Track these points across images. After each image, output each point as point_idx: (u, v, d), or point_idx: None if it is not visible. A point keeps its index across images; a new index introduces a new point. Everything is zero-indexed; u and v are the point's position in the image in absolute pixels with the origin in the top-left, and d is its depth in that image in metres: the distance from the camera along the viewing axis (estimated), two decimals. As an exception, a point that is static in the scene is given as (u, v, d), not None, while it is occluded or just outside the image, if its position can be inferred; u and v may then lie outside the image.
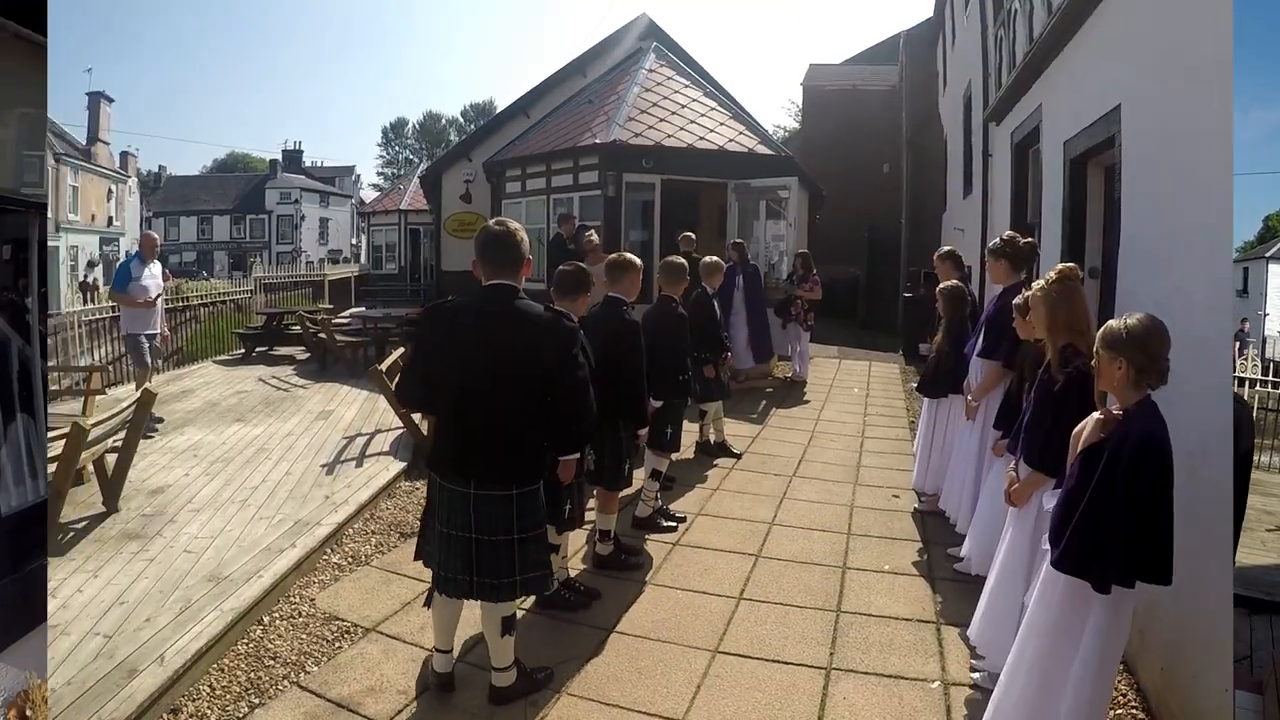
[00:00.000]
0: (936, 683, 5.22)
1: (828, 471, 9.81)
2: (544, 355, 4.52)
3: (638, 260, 6.93)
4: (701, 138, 18.36)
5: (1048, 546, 3.95)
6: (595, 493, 6.80)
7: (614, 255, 7.05)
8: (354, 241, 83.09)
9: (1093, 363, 3.99)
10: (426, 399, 4.90)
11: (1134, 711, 5.00)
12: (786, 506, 8.54)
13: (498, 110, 26.41)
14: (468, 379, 4.52)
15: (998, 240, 7.22)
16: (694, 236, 14.58)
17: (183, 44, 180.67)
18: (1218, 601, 4.29)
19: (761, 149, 18.74)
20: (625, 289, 6.76)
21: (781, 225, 17.96)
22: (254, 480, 8.89)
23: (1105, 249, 7.91)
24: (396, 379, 5.07)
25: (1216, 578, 4.24)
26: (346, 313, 21.75)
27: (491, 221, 4.88)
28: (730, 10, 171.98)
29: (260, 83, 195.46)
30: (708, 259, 10.30)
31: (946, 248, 9.65)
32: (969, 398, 7.30)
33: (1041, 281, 4.96)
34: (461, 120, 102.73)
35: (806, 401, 13.86)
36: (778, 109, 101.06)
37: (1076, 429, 4.05)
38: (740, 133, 19.07)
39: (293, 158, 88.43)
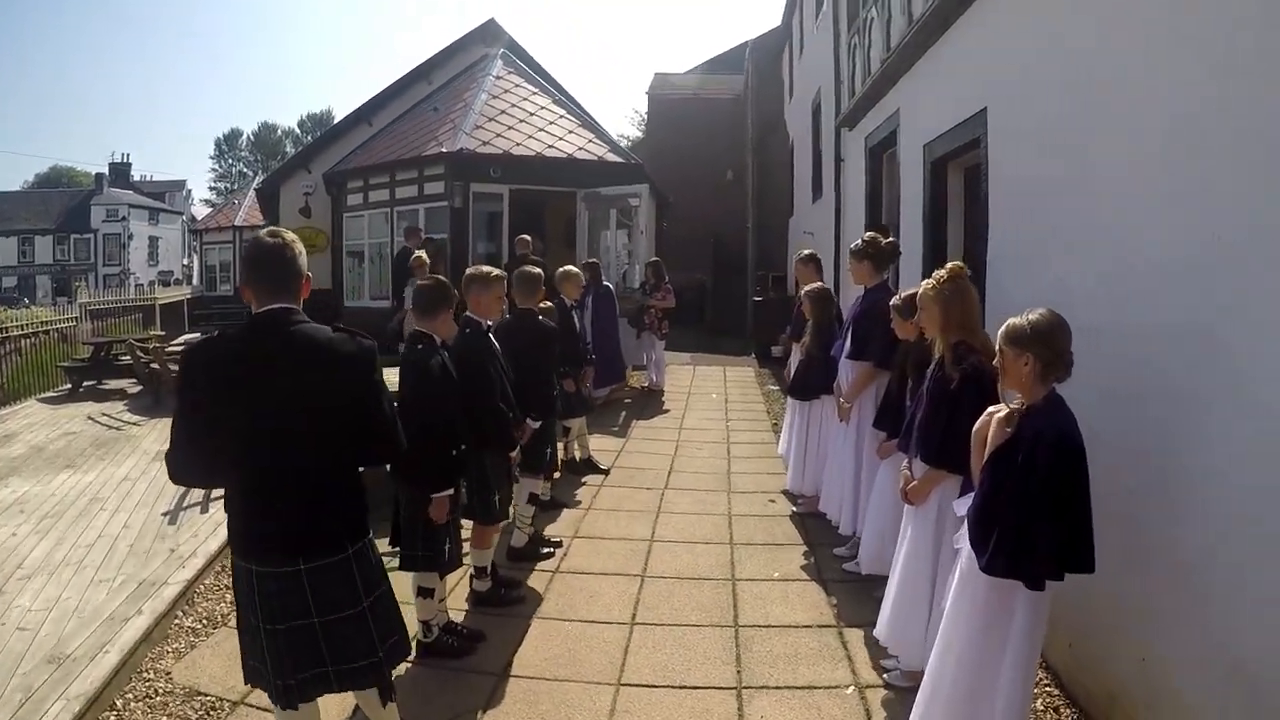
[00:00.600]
0: (851, 688, 5.13)
1: (699, 481, 9.67)
2: (345, 385, 3.62)
3: (496, 271, 6.25)
4: (550, 146, 18.10)
5: (960, 547, 3.94)
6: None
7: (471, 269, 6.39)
8: (185, 262, 79.19)
9: (996, 360, 3.96)
10: (210, 470, 3.70)
11: (1048, 689, 5.05)
12: (664, 521, 8.34)
13: (336, 121, 25.42)
14: (261, 433, 3.50)
15: (860, 242, 7.20)
16: (529, 239, 14.40)
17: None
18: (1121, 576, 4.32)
19: (611, 157, 18.63)
20: (485, 308, 6.10)
21: (632, 234, 17.85)
22: (88, 536, 7.90)
23: (967, 247, 7.98)
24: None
25: (1118, 556, 4.24)
26: (179, 339, 20.62)
27: (262, 232, 3.84)
28: (577, 19, 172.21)
29: (85, 91, 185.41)
30: (564, 269, 10.00)
31: (807, 251, 9.65)
32: (841, 399, 7.23)
33: (931, 280, 4.93)
34: (298, 131, 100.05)
35: (666, 410, 13.73)
36: (622, 119, 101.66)
37: (977, 427, 4.02)
38: (589, 141, 18.91)
39: (120, 171, 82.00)
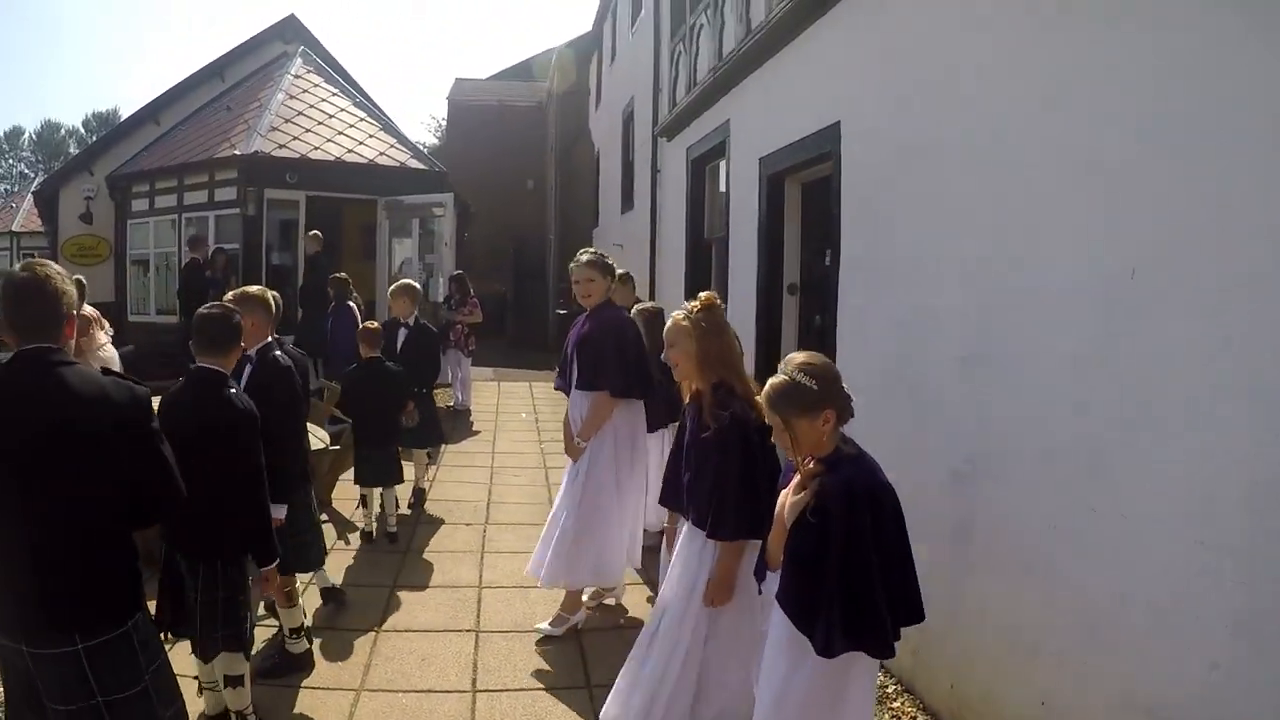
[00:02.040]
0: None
1: (521, 513, 9.07)
2: (109, 440, 3.06)
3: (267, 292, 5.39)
4: (350, 150, 17.38)
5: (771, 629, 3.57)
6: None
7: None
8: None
9: (776, 431, 3.46)
10: None
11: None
12: (490, 563, 7.70)
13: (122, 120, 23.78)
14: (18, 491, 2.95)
15: (593, 254, 6.33)
16: (321, 234, 13.96)
17: None
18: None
19: (414, 164, 18.03)
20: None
21: (434, 245, 17.25)
22: None
23: (804, 264, 7.79)
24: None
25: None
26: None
27: (17, 267, 3.33)
28: (377, 19, 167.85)
29: None
30: (403, 282, 9.37)
31: (620, 270, 9.29)
32: (577, 439, 6.26)
33: (681, 311, 4.38)
34: (83, 131, 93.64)
35: (476, 433, 13.11)
36: (419, 125, 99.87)
37: (781, 502, 3.52)
38: (391, 146, 18.23)
39: None
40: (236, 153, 16.41)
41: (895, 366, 5.39)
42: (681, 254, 11.54)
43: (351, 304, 12.39)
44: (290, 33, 22.27)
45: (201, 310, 4.38)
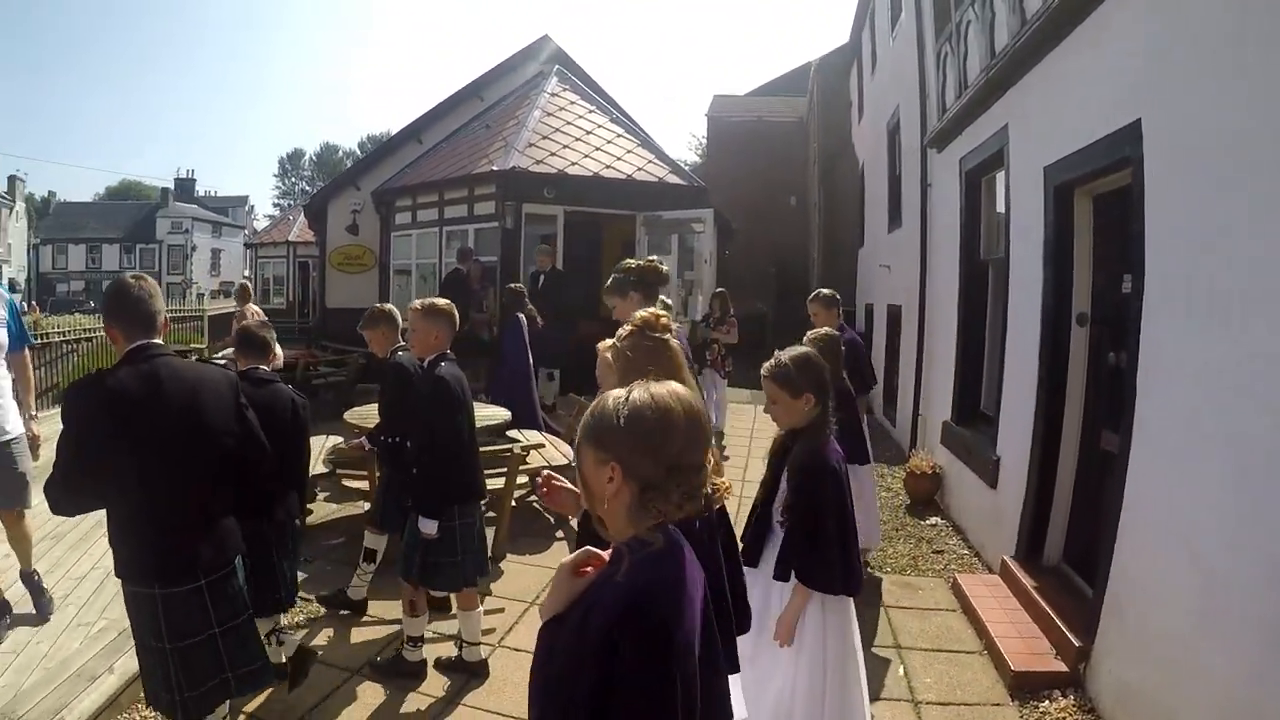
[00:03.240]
0: None
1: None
2: (224, 409, 4.02)
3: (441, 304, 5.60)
4: (608, 166, 16.99)
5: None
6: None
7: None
8: (246, 274, 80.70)
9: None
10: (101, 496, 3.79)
11: None
12: None
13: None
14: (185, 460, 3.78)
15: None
16: (550, 247, 13.91)
17: (82, 69, 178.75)
18: None
19: (673, 179, 17.42)
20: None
21: (694, 261, 16.60)
22: (82, 567, 6.86)
23: (1096, 291, 6.64)
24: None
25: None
26: (223, 352, 19.90)
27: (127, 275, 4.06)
28: (634, 39, 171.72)
29: (158, 112, 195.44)
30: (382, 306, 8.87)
31: (825, 291, 8.60)
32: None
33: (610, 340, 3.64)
34: (359, 153, 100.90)
35: (727, 458, 12.27)
36: (680, 144, 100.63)
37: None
38: (649, 161, 17.72)
39: (185, 186, 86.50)
40: (495, 168, 16.34)
41: (1214, 422, 4.28)
42: (954, 277, 10.31)
43: (522, 315, 12.17)
44: (545, 53, 22.51)
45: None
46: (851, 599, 4.22)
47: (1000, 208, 8.90)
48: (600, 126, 18.61)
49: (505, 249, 16.11)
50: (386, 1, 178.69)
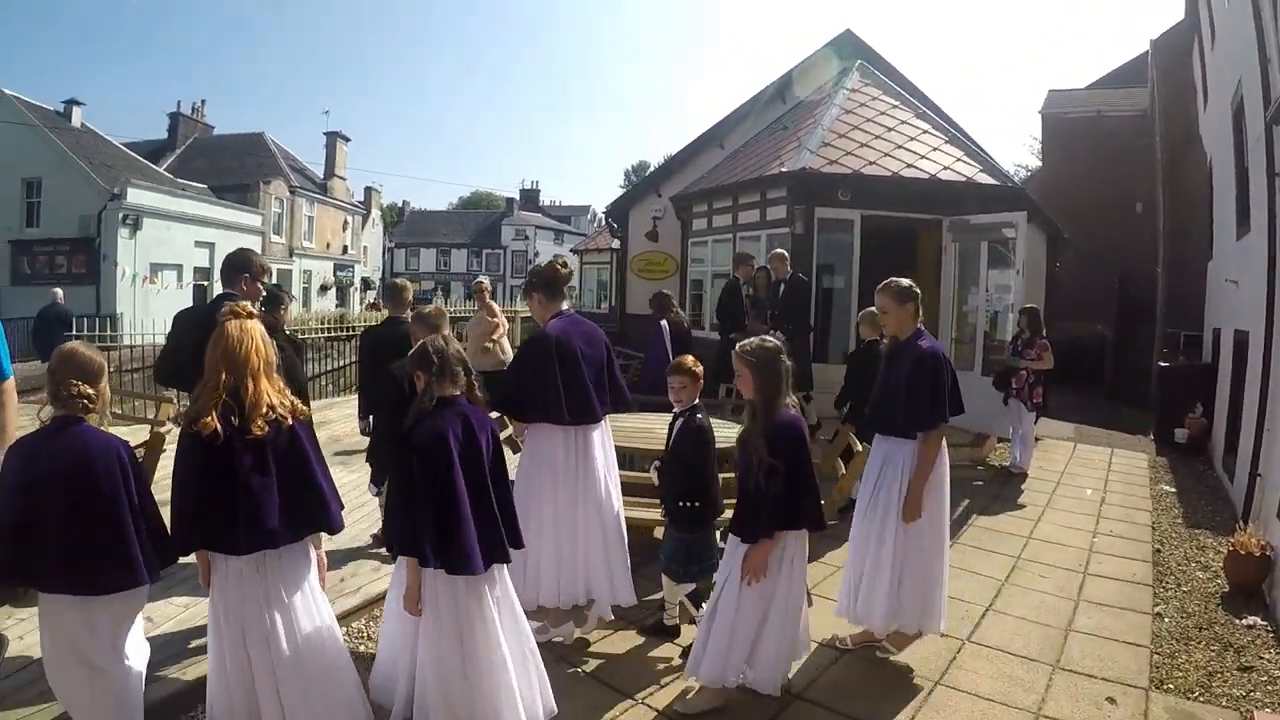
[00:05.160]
0: None
1: (1019, 636, 6.53)
2: None
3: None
4: (909, 165, 15.25)
5: None
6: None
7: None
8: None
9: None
10: None
11: None
12: (938, 700, 5.50)
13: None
14: None
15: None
16: (786, 254, 12.90)
17: (431, 91, 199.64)
18: None
19: (983, 178, 15.33)
20: None
21: (1008, 273, 14.25)
22: None
23: None
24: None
25: None
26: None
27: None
28: (956, 34, 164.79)
29: (505, 130, 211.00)
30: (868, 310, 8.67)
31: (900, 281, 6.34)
32: None
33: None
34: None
35: (1022, 506, 10.43)
36: (1019, 145, 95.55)
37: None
38: (957, 159, 15.74)
39: (530, 196, 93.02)
40: (784, 169, 15.13)
41: None
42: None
43: (664, 322, 12.09)
44: (848, 49, 21.17)
45: None
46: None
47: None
48: (903, 123, 16.86)
49: (796, 256, 14.59)
50: (730, 7, 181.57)
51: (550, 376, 5.75)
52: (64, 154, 33.76)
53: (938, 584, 5.86)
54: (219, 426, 4.03)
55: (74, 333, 17.31)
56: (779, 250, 13.04)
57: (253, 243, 39.37)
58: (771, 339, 5.13)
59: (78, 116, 38.55)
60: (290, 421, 4.27)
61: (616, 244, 27.70)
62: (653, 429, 8.24)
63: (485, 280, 13.27)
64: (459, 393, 4.56)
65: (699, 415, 5.95)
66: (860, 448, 8.27)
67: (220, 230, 38.12)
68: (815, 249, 15.02)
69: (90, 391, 4.10)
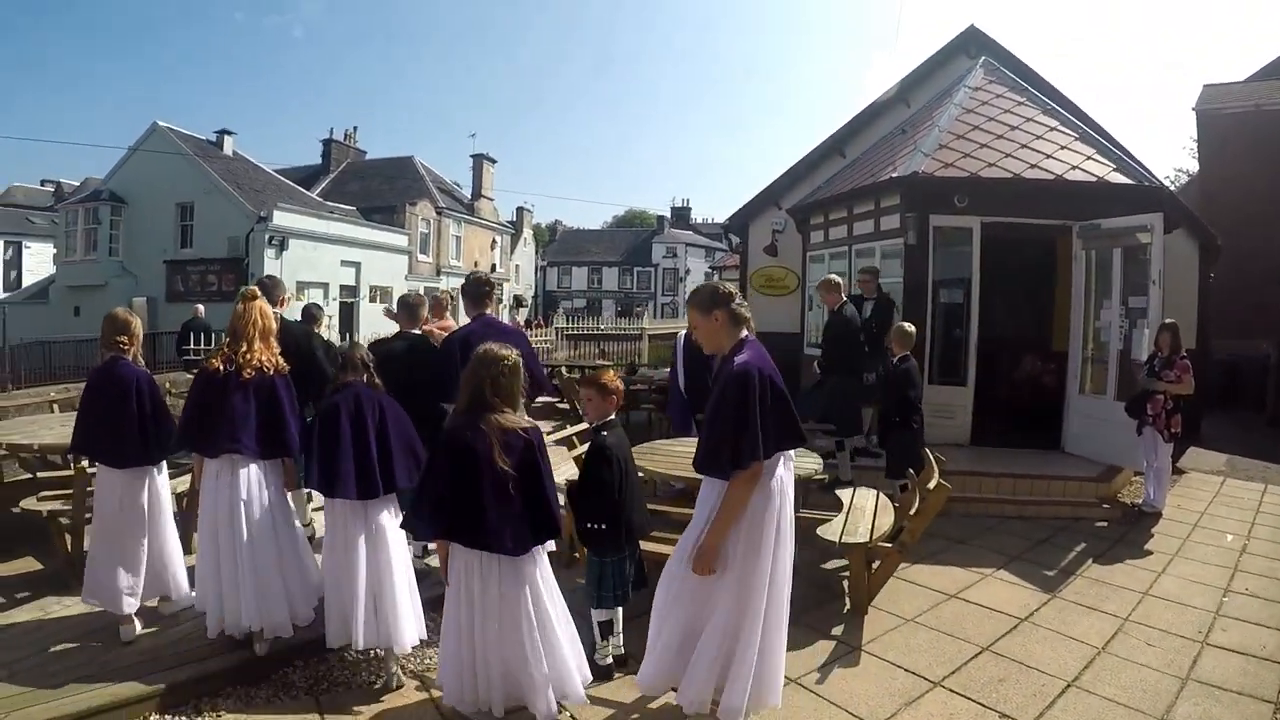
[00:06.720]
0: None
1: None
2: None
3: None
4: (1033, 165, 13.60)
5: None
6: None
7: None
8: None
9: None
10: None
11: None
12: None
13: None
14: None
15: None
16: (878, 269, 12.42)
17: (578, 117, 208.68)
18: None
19: (1117, 177, 13.44)
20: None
21: (1143, 284, 12.40)
22: None
23: None
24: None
25: None
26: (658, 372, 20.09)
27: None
28: (1118, 33, 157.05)
29: (654, 149, 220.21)
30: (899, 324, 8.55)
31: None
32: None
33: None
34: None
35: (1147, 553, 8.97)
36: (1178, 148, 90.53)
37: None
38: (1087, 158, 13.93)
39: (680, 214, 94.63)
40: (894, 175, 13.86)
41: None
42: None
43: (681, 334, 11.31)
44: (975, 46, 19.59)
45: None
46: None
47: None
48: (1028, 121, 15.19)
49: (909, 268, 13.44)
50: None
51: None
52: (214, 180, 37.03)
53: (750, 658, 4.84)
54: (221, 366, 6.06)
55: (208, 346, 20.41)
56: (868, 265, 11.81)
57: (399, 262, 43.14)
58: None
59: (229, 145, 42.13)
60: (272, 372, 6.20)
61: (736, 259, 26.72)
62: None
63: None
64: (355, 379, 6.02)
65: (604, 433, 5.90)
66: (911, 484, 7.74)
67: (366, 250, 40.74)
68: (931, 260, 13.59)
69: (124, 339, 6.52)
